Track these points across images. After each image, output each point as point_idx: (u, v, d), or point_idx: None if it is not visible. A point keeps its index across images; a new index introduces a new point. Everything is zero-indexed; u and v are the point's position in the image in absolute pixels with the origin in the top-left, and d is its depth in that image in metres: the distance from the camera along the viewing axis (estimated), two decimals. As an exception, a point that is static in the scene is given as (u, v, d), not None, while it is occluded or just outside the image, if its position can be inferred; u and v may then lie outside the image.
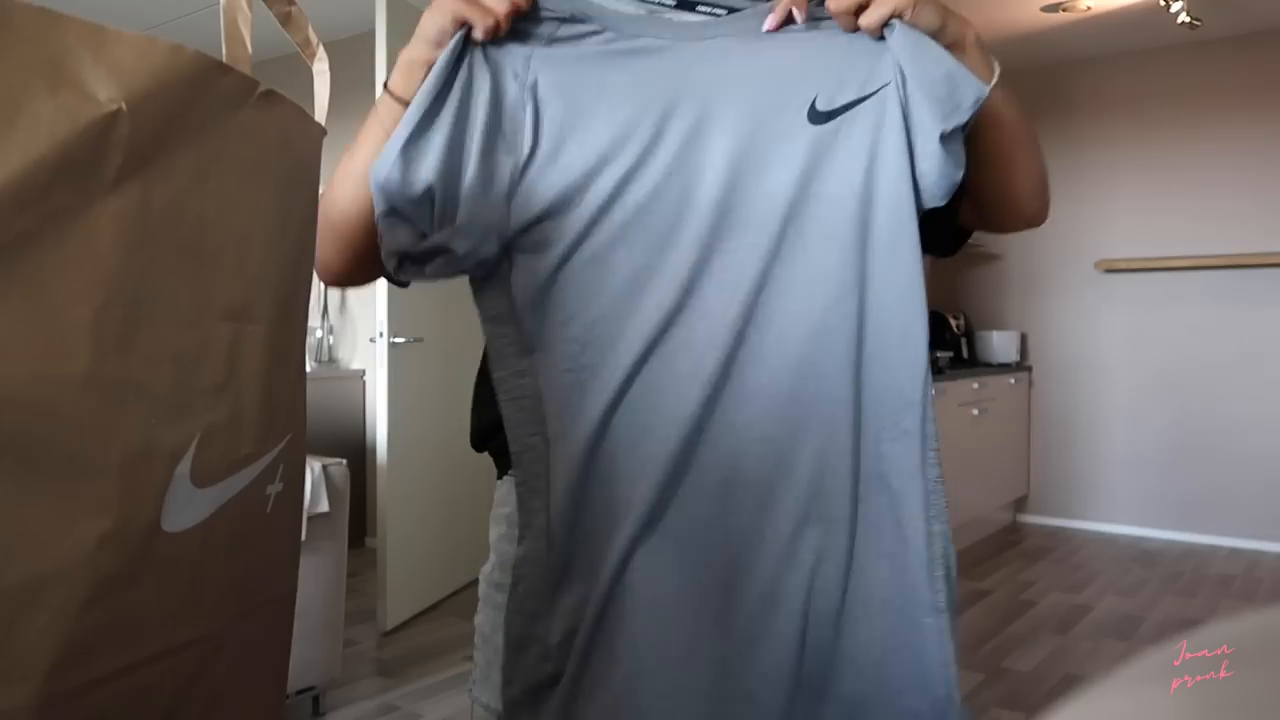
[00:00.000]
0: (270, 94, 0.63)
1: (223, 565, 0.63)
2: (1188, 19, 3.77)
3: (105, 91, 0.49)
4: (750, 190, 0.81)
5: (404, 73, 0.81)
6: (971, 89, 0.79)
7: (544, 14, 0.81)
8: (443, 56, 0.78)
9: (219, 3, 0.65)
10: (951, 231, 0.98)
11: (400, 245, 0.78)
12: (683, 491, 0.80)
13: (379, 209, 0.78)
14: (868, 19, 0.80)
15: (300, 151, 0.70)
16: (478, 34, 0.78)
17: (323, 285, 4.74)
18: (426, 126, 0.77)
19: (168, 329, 0.55)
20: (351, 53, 4.05)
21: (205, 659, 0.63)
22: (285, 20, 0.76)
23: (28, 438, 0.48)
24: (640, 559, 0.79)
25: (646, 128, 0.81)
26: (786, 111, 0.82)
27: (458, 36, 0.78)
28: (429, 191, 0.77)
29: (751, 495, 0.81)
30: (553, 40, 0.82)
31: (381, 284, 3.23)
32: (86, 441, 0.51)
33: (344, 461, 2.53)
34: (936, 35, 0.82)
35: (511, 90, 0.80)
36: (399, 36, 3.23)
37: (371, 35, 3.30)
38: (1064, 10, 4.19)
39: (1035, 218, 0.96)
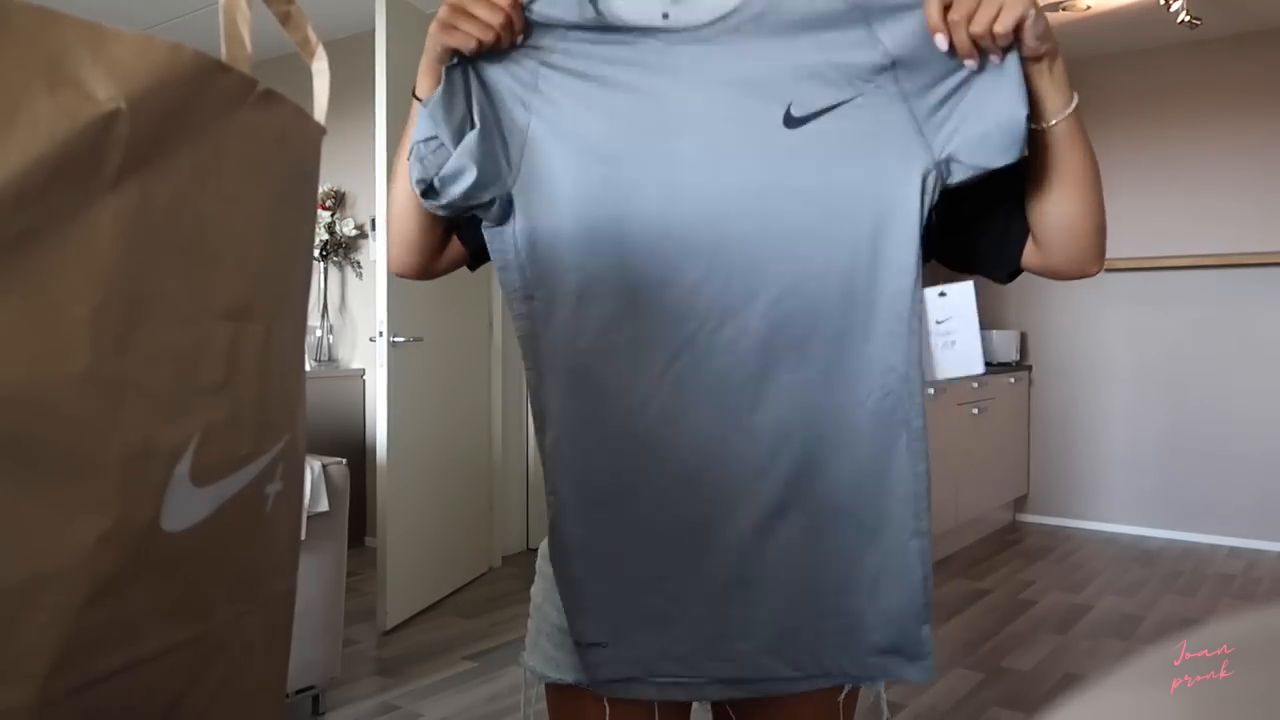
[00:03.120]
0: (270, 94, 0.63)
1: (222, 565, 0.63)
2: (1188, 18, 3.77)
3: (104, 91, 0.49)
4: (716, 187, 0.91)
5: (420, 80, 0.95)
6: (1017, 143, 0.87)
7: (546, 21, 0.91)
8: (444, 72, 0.91)
9: (219, 2, 0.65)
10: (1009, 268, 1.01)
11: (426, 173, 0.92)
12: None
13: (416, 137, 0.91)
14: (1001, 24, 0.83)
15: (300, 151, 0.70)
16: (466, 52, 0.90)
17: (322, 285, 4.68)
18: (446, 108, 0.91)
19: (167, 328, 0.55)
20: (351, 52, 4.05)
21: (205, 658, 0.63)
22: (285, 19, 0.76)
23: (27, 437, 0.48)
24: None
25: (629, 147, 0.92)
26: (757, 127, 0.90)
27: (453, 60, 0.90)
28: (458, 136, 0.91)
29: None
30: (557, 49, 0.92)
31: (381, 284, 3.23)
32: (86, 441, 0.51)
33: (344, 461, 2.53)
34: (1040, 41, 0.85)
35: (515, 88, 0.93)
36: (399, 36, 3.23)
37: (371, 35, 3.30)
38: (1064, 10, 4.19)
39: (1091, 258, 0.96)
